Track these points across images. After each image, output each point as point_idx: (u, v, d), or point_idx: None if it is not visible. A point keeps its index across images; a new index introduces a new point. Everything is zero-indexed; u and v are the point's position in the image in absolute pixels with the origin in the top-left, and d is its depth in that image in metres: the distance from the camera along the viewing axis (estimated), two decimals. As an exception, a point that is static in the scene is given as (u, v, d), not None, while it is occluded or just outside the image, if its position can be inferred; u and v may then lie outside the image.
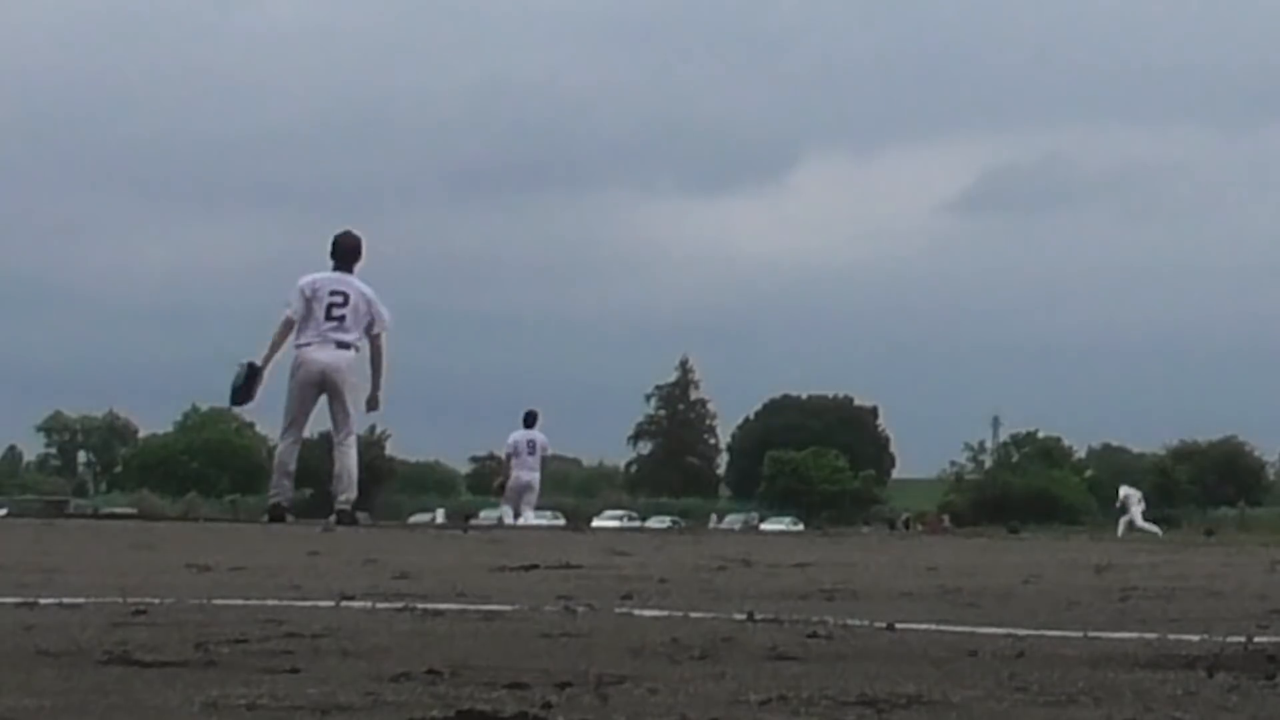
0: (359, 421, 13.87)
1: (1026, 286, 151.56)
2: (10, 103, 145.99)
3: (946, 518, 77.54)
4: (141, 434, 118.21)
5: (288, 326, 13.47)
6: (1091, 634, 4.34)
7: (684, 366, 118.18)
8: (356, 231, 13.82)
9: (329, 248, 13.65)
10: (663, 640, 4.00)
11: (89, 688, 3.07)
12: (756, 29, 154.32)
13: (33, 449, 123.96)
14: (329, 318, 13.34)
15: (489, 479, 54.83)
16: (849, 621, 4.66)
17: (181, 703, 2.89)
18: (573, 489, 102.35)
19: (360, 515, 14.63)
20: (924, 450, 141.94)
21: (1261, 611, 5.36)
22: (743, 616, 4.76)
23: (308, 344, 13.38)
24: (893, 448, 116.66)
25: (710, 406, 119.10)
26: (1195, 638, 4.24)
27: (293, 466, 13.71)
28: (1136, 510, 39.96)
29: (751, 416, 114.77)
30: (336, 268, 13.63)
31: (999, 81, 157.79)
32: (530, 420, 23.33)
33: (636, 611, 4.98)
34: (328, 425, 13.88)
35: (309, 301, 13.38)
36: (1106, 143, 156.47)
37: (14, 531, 11.77)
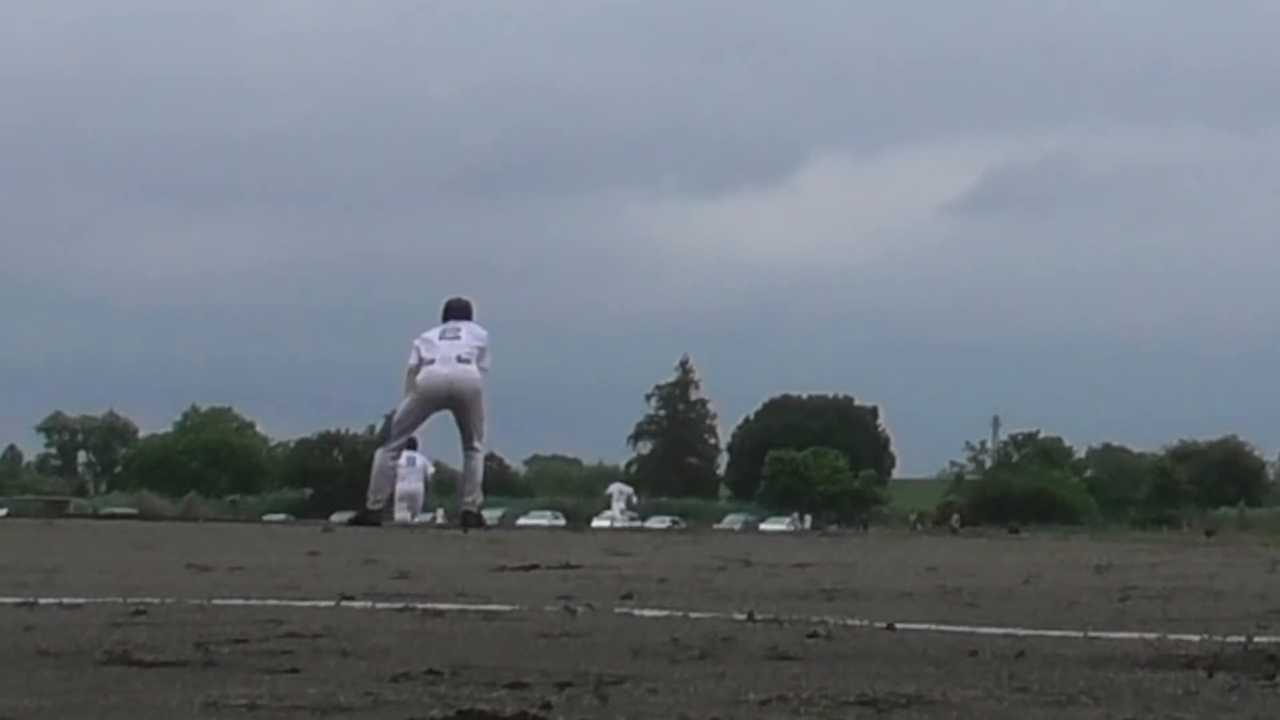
0: (487, 432, 14.78)
1: (1027, 286, 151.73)
2: (13, 103, 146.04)
3: (957, 517, 77.66)
4: (141, 434, 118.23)
5: (413, 373, 14.49)
6: (1091, 634, 4.34)
7: (684, 366, 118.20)
8: (466, 296, 15.15)
9: (440, 311, 14.84)
10: (663, 640, 4.00)
11: (89, 688, 3.07)
12: (760, 29, 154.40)
13: (33, 449, 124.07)
14: (444, 338, 14.47)
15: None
16: (849, 621, 4.66)
17: (181, 703, 2.89)
18: (573, 489, 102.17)
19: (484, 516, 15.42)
20: (924, 450, 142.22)
21: (1261, 611, 5.36)
22: (743, 616, 4.76)
23: (431, 361, 14.38)
24: (893, 448, 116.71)
25: (710, 406, 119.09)
26: (1195, 638, 4.24)
27: (395, 474, 14.56)
28: (618, 506, 44.60)
29: (751, 416, 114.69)
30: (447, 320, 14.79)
31: (1001, 82, 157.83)
32: (411, 445, 24.42)
33: (636, 611, 4.98)
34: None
35: (422, 344, 14.48)
36: (1108, 143, 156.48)
37: (14, 531, 11.78)
